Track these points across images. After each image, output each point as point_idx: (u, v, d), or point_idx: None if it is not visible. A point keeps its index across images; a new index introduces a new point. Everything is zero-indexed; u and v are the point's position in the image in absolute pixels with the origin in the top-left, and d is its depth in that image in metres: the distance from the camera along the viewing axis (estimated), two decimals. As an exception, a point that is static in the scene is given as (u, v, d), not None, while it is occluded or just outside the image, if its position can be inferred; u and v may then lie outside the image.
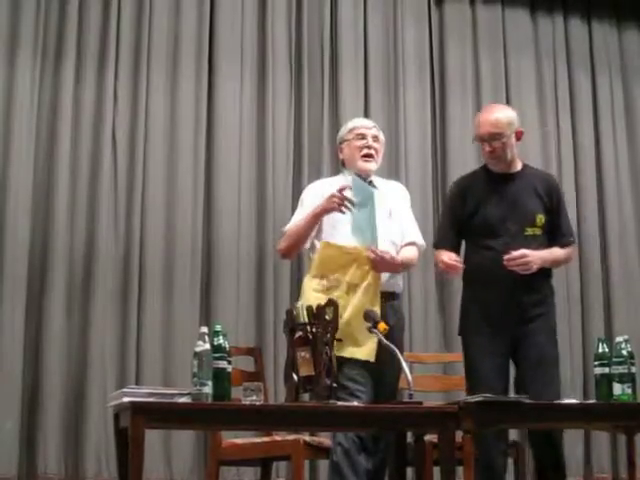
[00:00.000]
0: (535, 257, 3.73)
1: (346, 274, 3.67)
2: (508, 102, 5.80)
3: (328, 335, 3.02)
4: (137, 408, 2.76)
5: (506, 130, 3.85)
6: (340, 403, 3.08)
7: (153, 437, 4.56)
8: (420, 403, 3.15)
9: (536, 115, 6.08)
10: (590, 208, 6.07)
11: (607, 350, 3.42)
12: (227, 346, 3.00)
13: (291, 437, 3.74)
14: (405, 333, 4.18)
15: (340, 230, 3.75)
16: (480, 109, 4.73)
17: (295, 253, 3.93)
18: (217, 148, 5.42)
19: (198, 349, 2.88)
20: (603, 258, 6.05)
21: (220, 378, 2.93)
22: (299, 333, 3.06)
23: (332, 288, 3.65)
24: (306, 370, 3.01)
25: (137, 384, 4.73)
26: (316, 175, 5.24)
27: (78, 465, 4.85)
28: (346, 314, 3.51)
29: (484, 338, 3.78)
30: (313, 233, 3.80)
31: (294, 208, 4.11)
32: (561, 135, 6.13)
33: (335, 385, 3.00)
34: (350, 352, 3.49)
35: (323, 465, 4.79)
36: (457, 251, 3.94)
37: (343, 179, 3.84)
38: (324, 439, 3.81)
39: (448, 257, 3.80)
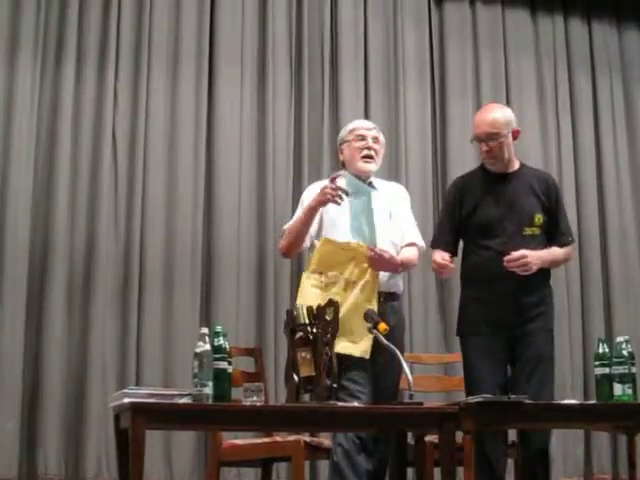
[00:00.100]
0: (534, 257, 3.73)
1: (344, 271, 3.68)
2: (508, 102, 5.80)
3: (328, 335, 3.02)
4: (138, 409, 2.76)
5: (503, 130, 3.86)
6: (340, 404, 3.08)
7: (153, 438, 4.55)
8: (421, 404, 3.15)
9: (536, 115, 6.09)
10: (590, 208, 6.07)
11: (607, 350, 3.42)
12: (227, 347, 3.01)
13: (291, 438, 3.74)
14: (405, 334, 4.19)
15: (340, 229, 3.77)
16: (480, 110, 4.74)
17: (295, 250, 3.91)
18: (217, 148, 5.42)
19: (198, 350, 2.88)
20: (603, 258, 6.05)
21: (220, 379, 2.94)
22: (300, 334, 3.06)
23: (330, 284, 3.66)
24: (306, 371, 3.01)
25: (137, 384, 4.73)
26: (316, 175, 5.25)
27: (78, 466, 4.84)
28: (342, 311, 3.51)
29: (482, 338, 3.78)
30: (313, 232, 3.81)
31: (294, 208, 4.12)
32: (561, 135, 6.13)
33: (335, 386, 3.00)
34: (344, 348, 3.47)
35: (323, 466, 4.79)
36: (454, 251, 3.95)
37: (342, 182, 3.85)
38: (324, 440, 3.80)
39: (440, 257, 3.81)
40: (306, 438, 3.72)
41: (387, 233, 3.82)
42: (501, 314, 3.77)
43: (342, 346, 3.45)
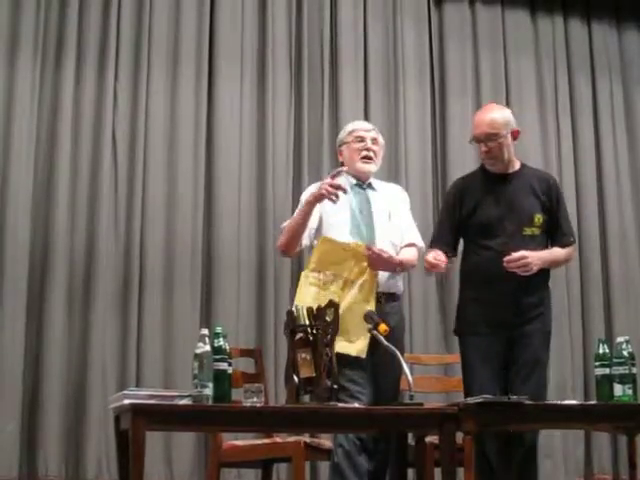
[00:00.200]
0: (535, 258, 3.73)
1: (343, 270, 3.68)
2: (508, 103, 5.80)
3: (328, 336, 3.02)
4: (138, 410, 2.76)
5: (502, 130, 3.86)
6: (341, 405, 3.08)
7: (154, 439, 4.55)
8: (421, 404, 3.15)
9: (536, 116, 6.08)
10: (590, 209, 6.07)
11: (608, 351, 3.42)
12: (227, 348, 3.01)
13: (292, 439, 3.74)
14: (405, 334, 4.19)
15: (339, 229, 3.77)
16: (480, 110, 4.74)
17: (294, 248, 3.90)
18: (217, 148, 5.42)
19: (198, 351, 2.88)
20: (603, 259, 6.05)
21: (220, 380, 2.94)
22: (300, 334, 3.06)
23: (328, 283, 3.66)
24: (307, 371, 3.01)
25: (137, 386, 4.73)
26: (316, 175, 5.25)
27: (79, 467, 4.84)
28: (340, 310, 3.50)
29: (482, 338, 3.78)
30: (313, 231, 3.81)
31: (294, 209, 4.12)
32: (561, 136, 6.13)
33: (336, 387, 3.00)
34: (341, 347, 3.44)
35: (324, 467, 4.79)
36: (453, 251, 3.94)
37: (343, 181, 3.85)
38: (325, 441, 3.81)
39: (433, 256, 3.79)
40: (306, 439, 3.72)
41: (386, 234, 3.82)
42: (500, 314, 3.77)
43: (338, 345, 3.45)
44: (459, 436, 3.16)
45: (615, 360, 3.37)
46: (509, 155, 3.90)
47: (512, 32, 6.18)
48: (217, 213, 5.34)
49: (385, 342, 3.28)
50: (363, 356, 3.58)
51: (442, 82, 5.98)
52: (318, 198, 3.68)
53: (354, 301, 3.60)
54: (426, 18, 6.01)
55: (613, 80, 6.32)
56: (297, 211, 3.85)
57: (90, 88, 5.21)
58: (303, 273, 3.80)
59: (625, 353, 3.37)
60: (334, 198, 3.63)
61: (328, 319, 3.03)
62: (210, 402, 2.86)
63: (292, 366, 3.04)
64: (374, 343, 3.44)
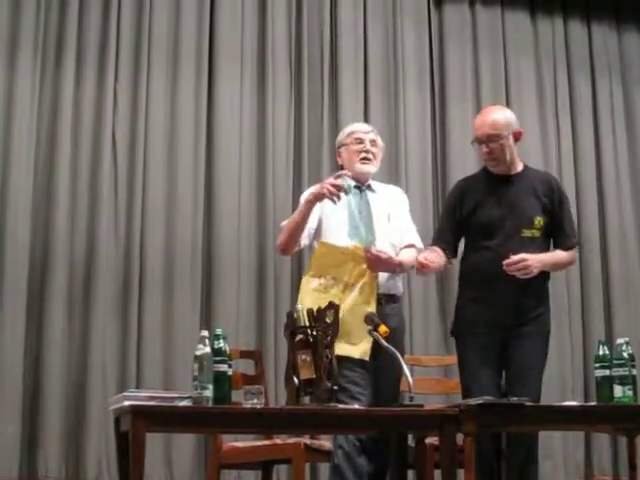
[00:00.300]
0: (535, 261, 3.72)
1: (343, 273, 3.68)
2: (508, 104, 5.80)
3: (329, 338, 3.02)
4: (138, 412, 2.76)
5: (503, 131, 3.85)
6: (341, 406, 3.08)
7: (154, 440, 4.55)
8: (421, 406, 3.15)
9: (536, 117, 6.08)
10: (590, 209, 6.07)
11: (608, 352, 3.42)
12: (227, 349, 3.01)
13: (292, 440, 3.74)
14: (405, 336, 4.19)
15: (339, 231, 3.77)
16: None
17: (293, 247, 3.88)
18: (217, 149, 5.42)
19: (198, 352, 2.88)
20: (603, 259, 6.05)
21: (221, 381, 2.94)
22: (300, 336, 3.06)
23: (329, 287, 3.66)
24: (307, 373, 3.01)
25: (138, 387, 4.73)
26: (316, 176, 5.25)
27: (79, 468, 4.84)
28: (341, 313, 3.50)
29: (480, 338, 3.78)
30: (313, 231, 3.81)
31: (294, 209, 4.11)
32: (561, 136, 6.13)
33: (336, 388, 3.00)
34: (343, 349, 3.46)
35: (324, 468, 4.79)
36: (453, 251, 3.94)
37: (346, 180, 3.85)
38: (325, 442, 3.80)
39: (424, 256, 3.76)
40: (306, 440, 3.72)
41: (386, 235, 3.82)
42: (499, 315, 3.76)
43: (340, 348, 3.45)
44: (459, 437, 3.16)
45: (615, 361, 3.37)
46: (511, 156, 3.89)
47: (512, 33, 6.18)
48: (217, 213, 5.33)
49: (385, 343, 3.28)
50: (367, 358, 3.59)
51: (442, 83, 5.98)
52: (318, 197, 3.68)
53: (355, 303, 3.60)
54: (426, 19, 6.01)
55: (613, 80, 6.32)
56: (297, 210, 3.85)
57: (90, 89, 5.21)
58: (304, 278, 3.80)
59: (625, 355, 3.37)
60: (335, 199, 3.63)
61: (328, 321, 3.03)
62: (210, 404, 2.86)
63: (292, 367, 3.04)
64: (377, 346, 3.44)
